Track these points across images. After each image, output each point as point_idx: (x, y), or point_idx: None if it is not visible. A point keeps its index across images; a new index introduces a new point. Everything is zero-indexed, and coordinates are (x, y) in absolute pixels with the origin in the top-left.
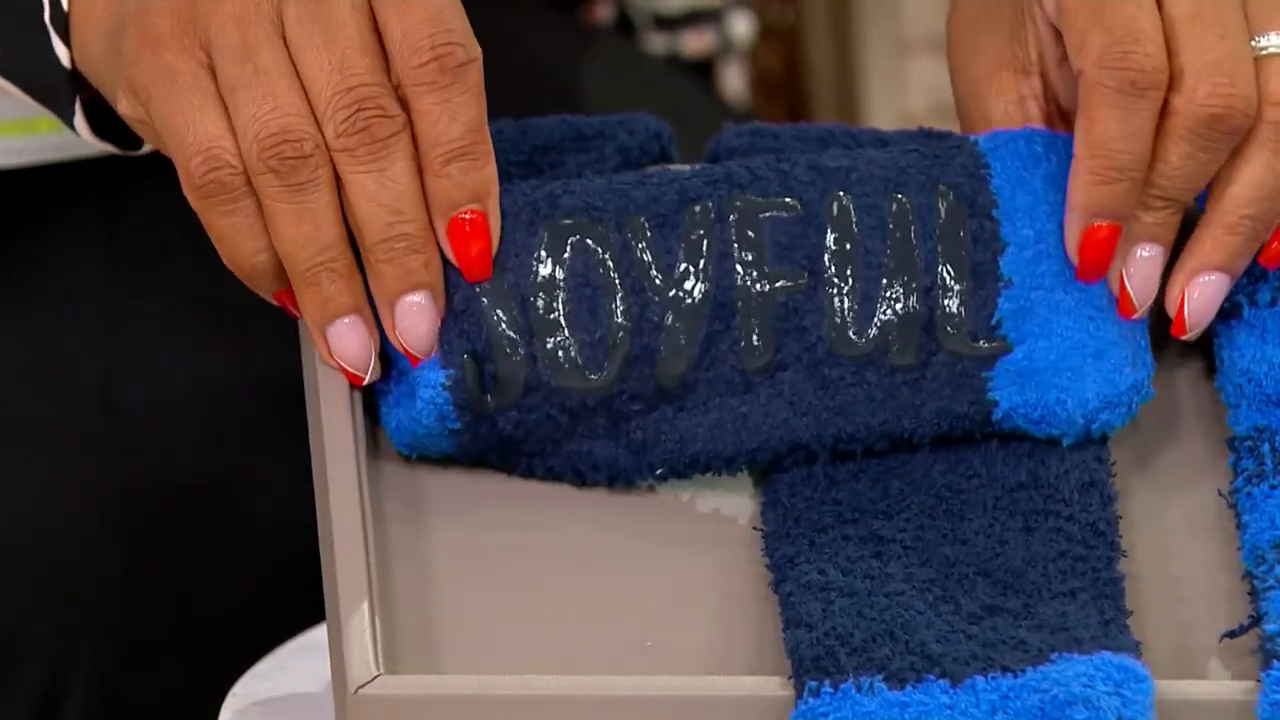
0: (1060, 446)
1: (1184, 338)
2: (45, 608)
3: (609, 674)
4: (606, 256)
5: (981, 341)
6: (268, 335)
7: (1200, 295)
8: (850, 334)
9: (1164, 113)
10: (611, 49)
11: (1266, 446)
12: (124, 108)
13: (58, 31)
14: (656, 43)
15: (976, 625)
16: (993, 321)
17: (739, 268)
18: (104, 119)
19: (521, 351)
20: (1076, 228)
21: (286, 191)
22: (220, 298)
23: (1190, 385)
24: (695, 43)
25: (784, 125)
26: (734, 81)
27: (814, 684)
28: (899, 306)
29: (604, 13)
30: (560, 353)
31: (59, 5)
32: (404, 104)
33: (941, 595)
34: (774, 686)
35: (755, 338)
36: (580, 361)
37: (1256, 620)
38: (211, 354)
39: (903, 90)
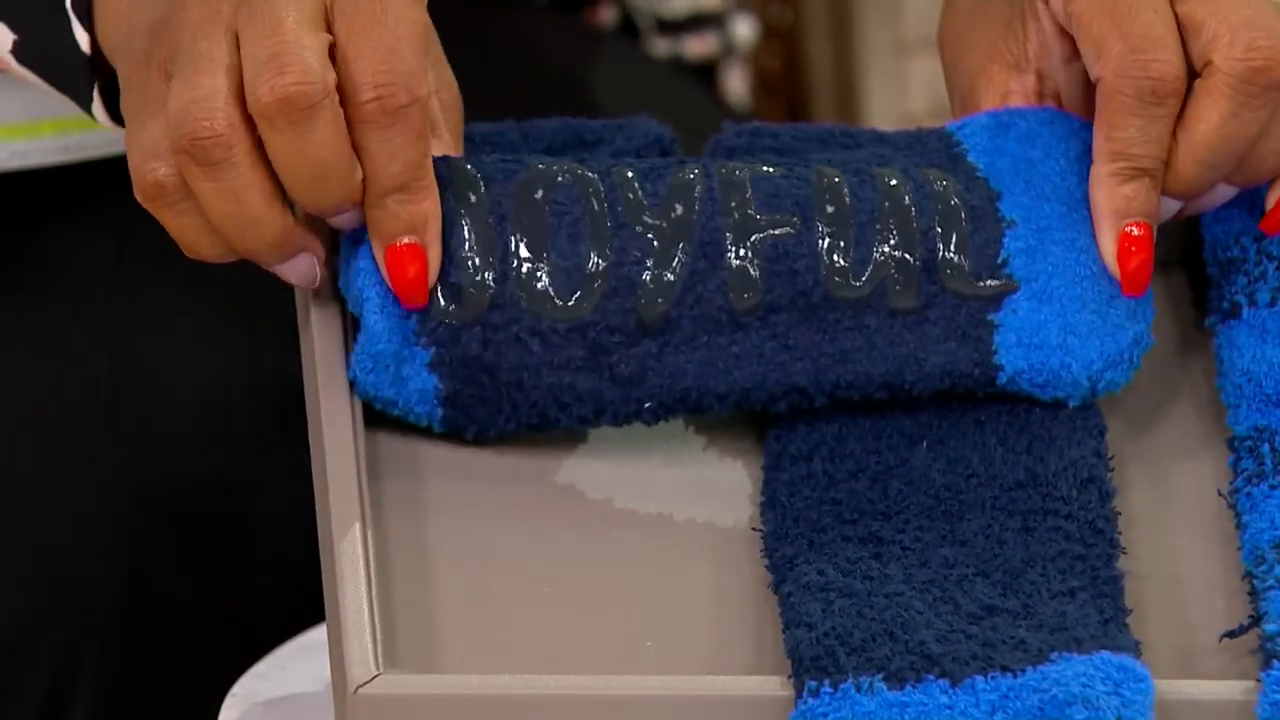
0: (1058, 443)
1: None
2: (51, 610)
3: (609, 673)
4: (591, 190)
5: (986, 280)
6: (275, 337)
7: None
8: (846, 276)
9: (1202, 74)
10: (615, 52)
11: (1266, 446)
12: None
13: (79, 16)
14: (659, 46)
15: (976, 625)
16: (999, 260)
17: (727, 211)
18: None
19: (492, 268)
20: (1109, 236)
21: (204, 171)
22: (228, 300)
23: (1190, 385)
24: (698, 46)
25: (783, 125)
26: (736, 84)
27: (814, 684)
28: (895, 249)
29: (607, 16)
30: (532, 275)
31: None
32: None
33: (941, 596)
34: (774, 686)
35: (744, 277)
36: (552, 286)
37: (1256, 620)
38: (219, 356)
39: (903, 90)
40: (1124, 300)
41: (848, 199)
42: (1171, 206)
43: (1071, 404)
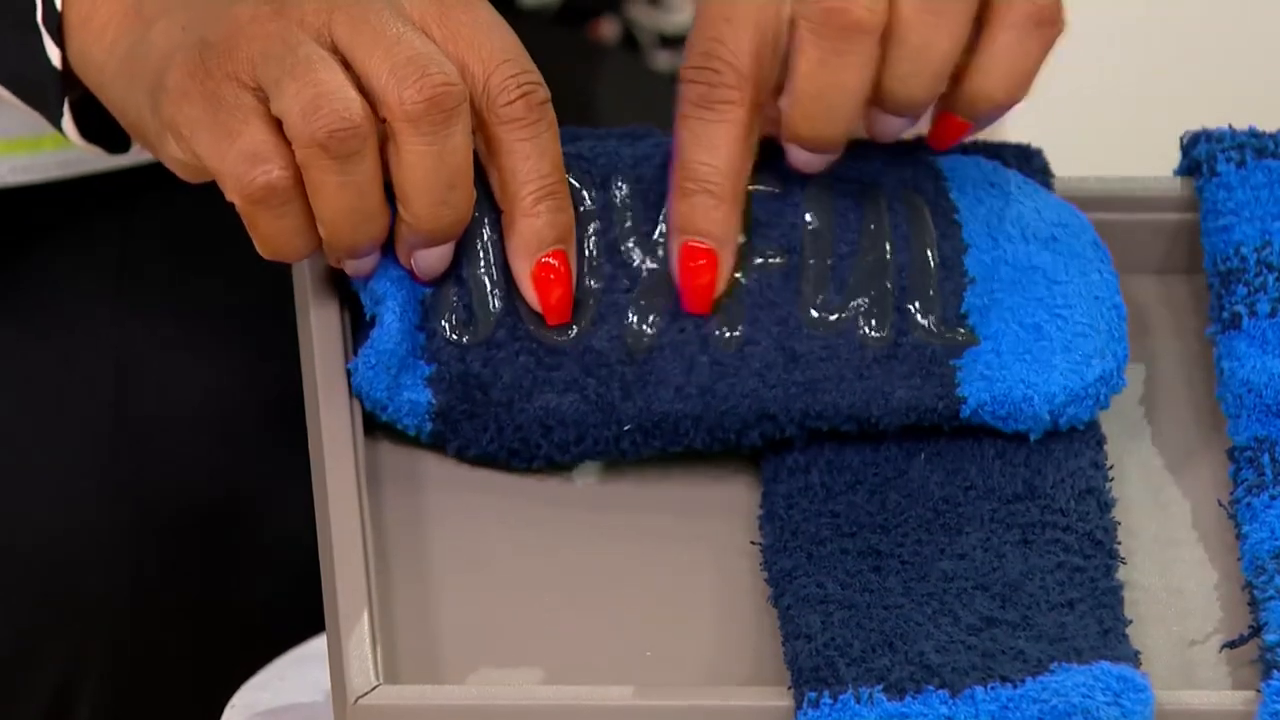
0: (1056, 455)
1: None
2: (55, 619)
3: (609, 684)
4: (588, 213)
5: (950, 332)
6: (278, 349)
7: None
8: (823, 308)
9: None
10: (617, 66)
11: (1266, 457)
12: (170, 149)
13: (50, 32)
14: (661, 61)
15: (975, 636)
16: (960, 312)
17: None
18: (91, 121)
19: (500, 288)
20: (674, 252)
21: (334, 164)
22: (230, 312)
23: (1190, 395)
24: None
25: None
26: None
27: (813, 694)
28: (872, 283)
29: (610, 30)
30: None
31: (52, 6)
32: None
33: (940, 608)
34: (773, 697)
35: (726, 313)
36: None
37: (1256, 630)
38: (222, 368)
39: None
40: (1091, 338)
41: (834, 228)
42: (813, 158)
43: (1033, 437)
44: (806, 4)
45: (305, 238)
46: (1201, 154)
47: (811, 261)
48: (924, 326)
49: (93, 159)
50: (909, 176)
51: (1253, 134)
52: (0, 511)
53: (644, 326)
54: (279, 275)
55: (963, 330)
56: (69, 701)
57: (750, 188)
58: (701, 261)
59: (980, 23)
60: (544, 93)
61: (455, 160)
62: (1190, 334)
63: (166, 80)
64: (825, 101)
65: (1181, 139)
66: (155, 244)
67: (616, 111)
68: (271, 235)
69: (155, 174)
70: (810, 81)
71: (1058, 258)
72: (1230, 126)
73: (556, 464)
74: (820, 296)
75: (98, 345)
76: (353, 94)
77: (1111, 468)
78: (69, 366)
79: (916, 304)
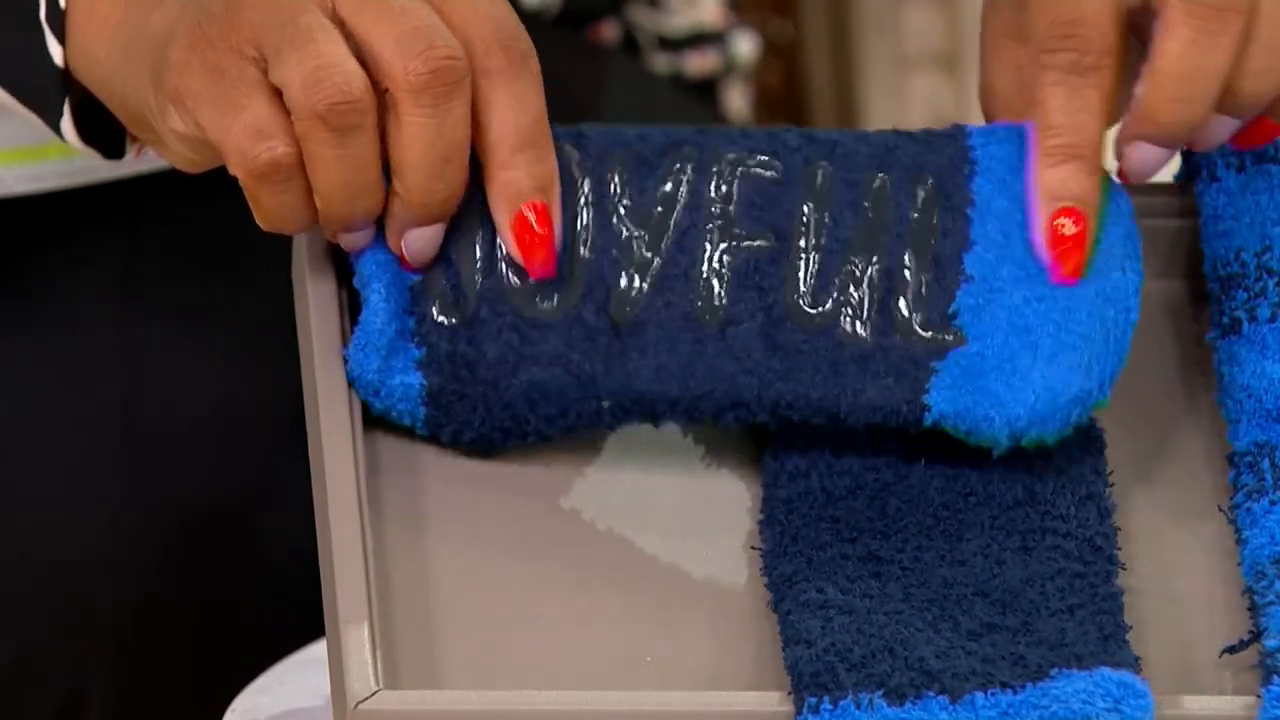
0: (1056, 461)
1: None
2: (61, 629)
3: (609, 689)
4: (581, 185)
5: (934, 332)
6: (284, 357)
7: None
8: (807, 301)
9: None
10: (617, 69)
11: (1266, 462)
12: (173, 121)
13: (53, 30)
14: (661, 63)
15: (976, 642)
16: (949, 312)
17: (708, 219)
18: (89, 124)
19: (482, 264)
20: (1042, 217)
21: (333, 137)
22: (237, 320)
23: (1190, 400)
24: (699, 63)
25: None
26: (737, 101)
27: (813, 700)
28: (859, 283)
29: (610, 33)
30: (516, 273)
31: (56, 4)
32: None
33: (940, 614)
34: (774, 702)
35: (713, 287)
36: (534, 285)
37: (1257, 635)
38: (226, 377)
39: (902, 106)
40: (1081, 349)
41: (828, 220)
42: (1158, 155)
43: (994, 454)
44: None
45: (307, 212)
46: (1201, 159)
47: (802, 250)
48: (908, 326)
49: (98, 168)
50: (931, 163)
51: None
52: (5, 521)
53: (629, 296)
54: (284, 284)
55: (950, 330)
56: (76, 711)
57: (748, 171)
58: (1077, 227)
59: None
60: (525, 45)
61: (454, 135)
62: (1190, 339)
63: (169, 54)
64: (1191, 83)
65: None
66: (161, 253)
67: (617, 113)
68: (273, 209)
69: (161, 183)
70: (1180, 62)
71: None
72: None
73: (546, 438)
74: (807, 287)
75: (103, 354)
76: (354, 66)
77: (1112, 473)
78: (74, 375)
79: (904, 303)
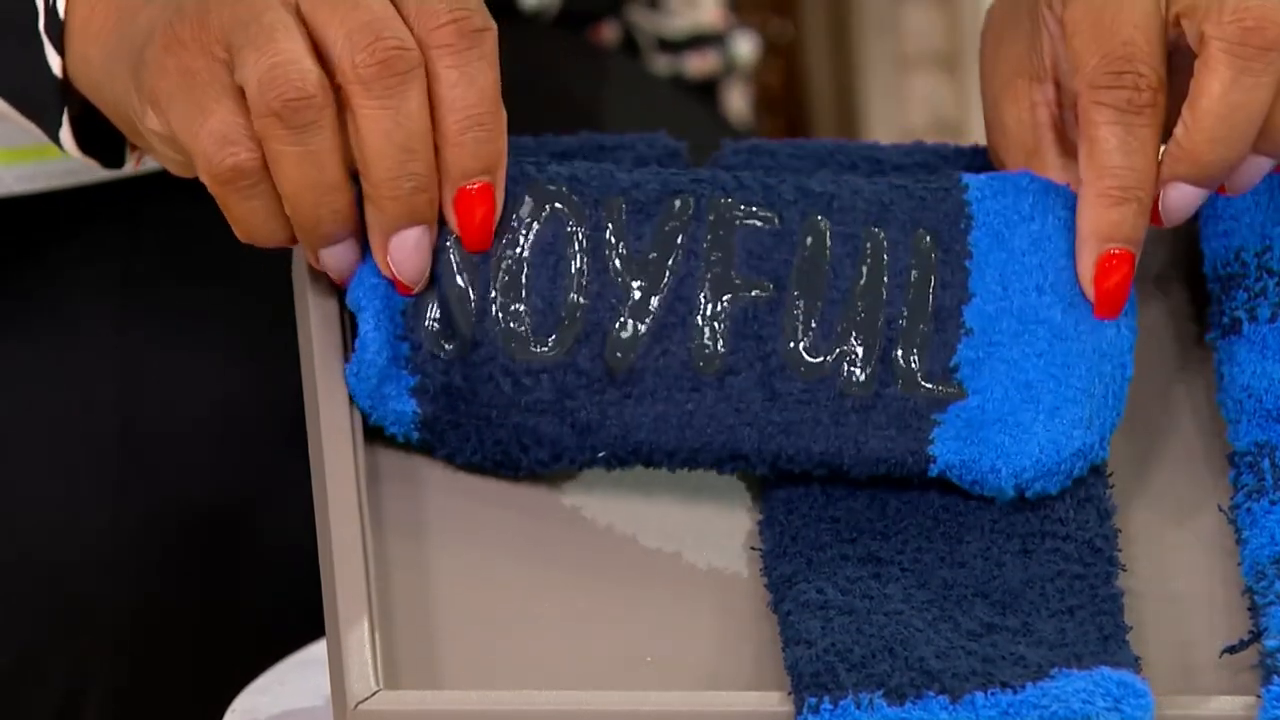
0: None
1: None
2: (61, 629)
3: (609, 689)
4: (577, 231)
5: (936, 385)
6: (283, 358)
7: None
8: (807, 351)
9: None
10: (617, 70)
11: (1266, 462)
12: (150, 122)
13: (52, 40)
14: (661, 64)
15: (976, 642)
16: (950, 365)
17: (706, 266)
18: (88, 134)
19: (472, 306)
20: (1089, 258)
21: (290, 135)
22: (235, 321)
23: (1190, 401)
24: (699, 64)
25: (781, 141)
26: (737, 102)
27: (813, 700)
28: (859, 333)
29: (610, 34)
30: (511, 317)
31: (55, 14)
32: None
33: (940, 615)
34: (774, 702)
35: (710, 336)
36: (529, 329)
37: (1257, 635)
38: (225, 378)
39: (902, 106)
40: (1081, 404)
41: (827, 270)
42: (1196, 196)
43: (999, 502)
44: (1220, 23)
45: (278, 220)
46: None
47: (799, 299)
48: (909, 378)
49: (98, 169)
50: (929, 217)
51: None
52: (5, 521)
53: (626, 343)
54: (283, 285)
55: (951, 384)
56: (75, 711)
57: (745, 221)
58: (1124, 269)
59: None
60: (479, 21)
61: (411, 124)
62: (1190, 339)
63: (146, 54)
64: (1231, 123)
65: None
66: (160, 253)
67: (617, 114)
68: (243, 217)
69: (160, 184)
70: (1221, 102)
71: (1071, 310)
72: None
73: (540, 476)
74: (806, 337)
75: (102, 354)
76: (309, 64)
77: (1111, 474)
78: (74, 375)
79: (904, 355)
